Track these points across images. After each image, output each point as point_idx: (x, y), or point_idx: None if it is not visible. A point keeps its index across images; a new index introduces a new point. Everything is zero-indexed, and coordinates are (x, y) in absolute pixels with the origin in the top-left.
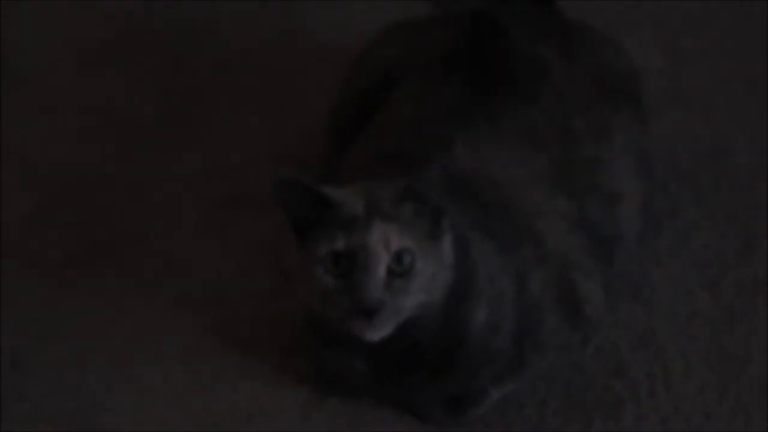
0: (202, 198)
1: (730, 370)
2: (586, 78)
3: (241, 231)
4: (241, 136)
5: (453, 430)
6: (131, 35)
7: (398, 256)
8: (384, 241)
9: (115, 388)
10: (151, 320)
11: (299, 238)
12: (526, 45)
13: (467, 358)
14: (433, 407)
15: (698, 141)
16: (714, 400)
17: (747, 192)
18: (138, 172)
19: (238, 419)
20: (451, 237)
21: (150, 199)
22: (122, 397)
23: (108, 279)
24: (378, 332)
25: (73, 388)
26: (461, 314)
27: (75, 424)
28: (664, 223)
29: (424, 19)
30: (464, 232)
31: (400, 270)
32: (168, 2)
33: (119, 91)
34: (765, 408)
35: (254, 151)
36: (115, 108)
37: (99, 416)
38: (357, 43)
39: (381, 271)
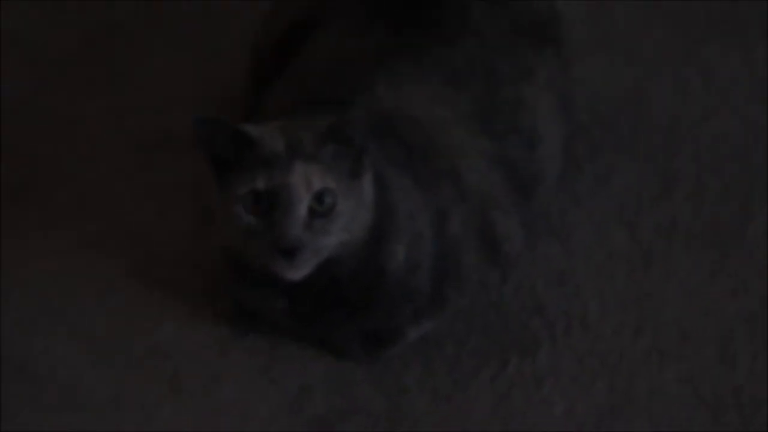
0: (125, 137)
1: (647, 311)
2: (508, 20)
3: (163, 171)
4: (165, 76)
5: (371, 367)
6: None
7: (319, 197)
8: (305, 181)
9: (33, 327)
10: (71, 259)
11: (219, 179)
12: None
13: (386, 296)
14: (352, 344)
15: (619, 85)
16: (629, 340)
17: (666, 135)
18: (59, 109)
19: (156, 357)
20: (372, 176)
21: (70, 138)
22: (39, 336)
23: (28, 217)
24: (298, 271)
25: None
26: (380, 252)
27: None
28: (585, 165)
29: None
30: (384, 171)
31: (322, 210)
32: None
33: (42, 26)
34: (679, 348)
35: (178, 92)
36: (36, 42)
37: (17, 354)
38: None
39: (302, 210)
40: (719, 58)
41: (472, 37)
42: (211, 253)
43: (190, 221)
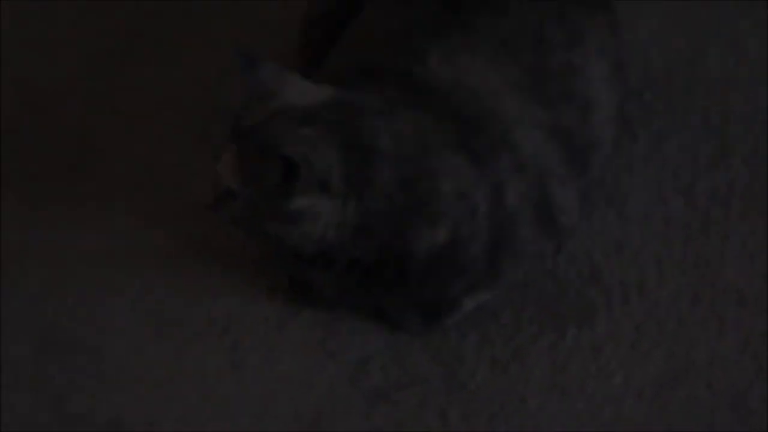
0: (180, 110)
1: (705, 276)
2: None
3: (219, 142)
4: (218, 49)
5: (428, 338)
6: None
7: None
8: (222, 167)
9: (94, 302)
10: (128, 233)
11: None
12: None
13: (422, 273)
14: (407, 316)
15: (672, 49)
16: (688, 307)
17: (721, 99)
18: (114, 87)
19: (214, 330)
20: (309, 199)
21: (127, 113)
22: (100, 310)
23: (84, 193)
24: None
25: (52, 302)
26: (403, 236)
27: (54, 337)
28: (638, 130)
29: None
30: (428, 158)
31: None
32: None
33: (96, 1)
34: (738, 314)
35: (230, 63)
36: (88, 20)
37: (78, 329)
38: None
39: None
40: None
41: (521, 5)
42: None
43: None
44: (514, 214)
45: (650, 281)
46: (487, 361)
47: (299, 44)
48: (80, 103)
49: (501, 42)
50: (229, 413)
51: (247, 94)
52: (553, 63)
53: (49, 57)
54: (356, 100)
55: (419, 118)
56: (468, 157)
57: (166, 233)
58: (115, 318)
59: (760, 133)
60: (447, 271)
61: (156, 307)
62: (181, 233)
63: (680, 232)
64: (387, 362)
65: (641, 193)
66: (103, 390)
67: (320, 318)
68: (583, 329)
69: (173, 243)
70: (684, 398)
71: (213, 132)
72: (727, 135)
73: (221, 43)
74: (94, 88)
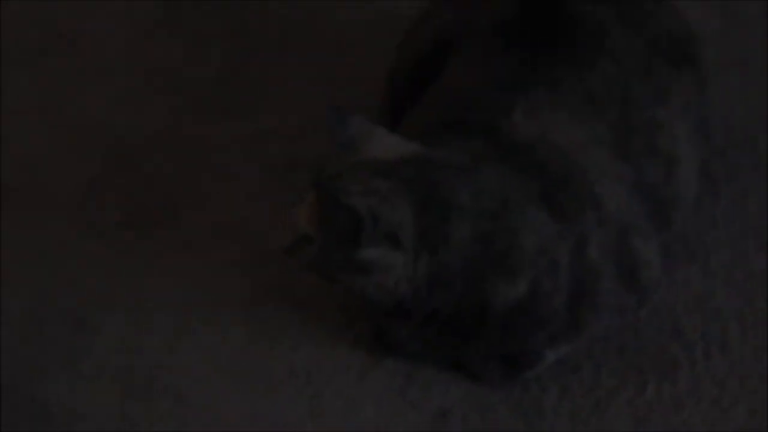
0: (260, 161)
1: None
2: (644, 41)
3: (298, 194)
4: (300, 100)
5: (508, 390)
6: None
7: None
8: (298, 214)
9: (175, 348)
10: (209, 281)
11: None
12: (583, 8)
13: (502, 326)
14: (488, 368)
15: (756, 105)
16: None
17: None
18: (196, 136)
19: (296, 379)
20: (381, 250)
21: (207, 162)
22: (182, 357)
23: (167, 241)
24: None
25: (134, 348)
26: (480, 290)
27: (136, 382)
28: (722, 188)
29: None
30: (507, 213)
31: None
32: None
33: (178, 53)
34: None
35: (312, 116)
36: (174, 71)
37: (160, 375)
38: (416, 7)
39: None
40: None
41: (608, 60)
42: None
43: None
44: (597, 268)
45: (732, 337)
46: (567, 415)
47: (383, 99)
48: (165, 155)
49: (587, 97)
50: None
51: (335, 147)
52: (638, 119)
53: (136, 109)
54: (437, 155)
55: (503, 172)
56: (551, 211)
57: (248, 282)
58: (197, 366)
59: None
60: (527, 323)
61: (237, 355)
62: (263, 282)
63: (763, 287)
64: (467, 413)
65: (724, 249)
66: None
67: (401, 368)
68: (665, 384)
69: (255, 292)
70: None
71: (294, 182)
72: None
73: (305, 96)
74: (179, 141)
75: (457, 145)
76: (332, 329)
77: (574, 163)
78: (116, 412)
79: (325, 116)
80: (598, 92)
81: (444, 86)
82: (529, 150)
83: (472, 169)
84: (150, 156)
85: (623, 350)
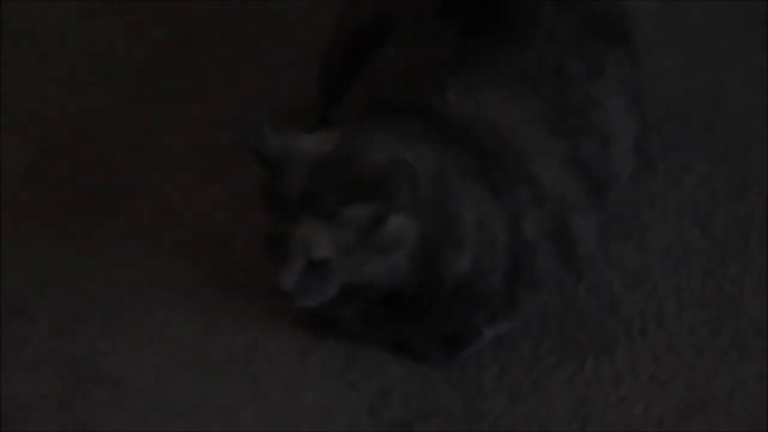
0: (201, 146)
1: (724, 308)
2: (577, 19)
3: (240, 179)
4: (239, 85)
5: (448, 369)
6: None
7: (316, 261)
8: (303, 243)
9: (116, 334)
10: (150, 267)
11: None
12: None
13: (450, 304)
14: (428, 347)
15: (692, 82)
16: (707, 338)
17: (741, 132)
18: (136, 121)
19: (236, 362)
20: (405, 215)
21: (148, 148)
22: (123, 343)
23: (107, 227)
24: (302, 304)
25: (75, 335)
26: (436, 264)
27: (77, 369)
28: (658, 164)
29: None
30: (451, 185)
31: (319, 267)
32: None
33: (119, 38)
34: (758, 345)
35: (252, 100)
36: (113, 56)
37: (101, 361)
38: None
39: (296, 265)
40: None
41: (542, 38)
42: None
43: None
44: (533, 245)
45: (670, 313)
46: (507, 392)
47: (319, 72)
48: (105, 140)
49: (521, 75)
50: None
51: (263, 163)
52: (572, 96)
53: (74, 93)
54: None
55: (437, 148)
56: (487, 188)
57: (187, 266)
58: (137, 350)
59: None
60: (469, 301)
61: (178, 339)
62: (202, 266)
63: (699, 263)
64: (408, 393)
65: (661, 226)
66: (127, 421)
67: (341, 349)
68: (603, 360)
69: (194, 276)
70: (704, 429)
71: (237, 166)
72: (746, 168)
73: (245, 80)
74: (118, 124)
75: (392, 123)
76: (272, 312)
77: (508, 141)
78: (57, 398)
79: (240, 137)
80: (532, 70)
81: (380, 65)
82: (463, 128)
83: (407, 147)
84: (89, 140)
85: (561, 327)
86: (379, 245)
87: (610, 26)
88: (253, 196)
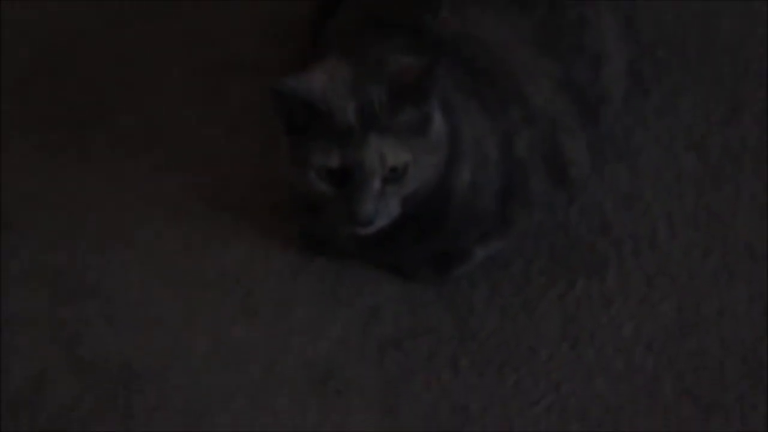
0: (191, 63)
1: (716, 231)
2: None
3: (230, 95)
4: (229, 2)
5: (439, 287)
6: None
7: (393, 168)
8: (380, 157)
9: (105, 248)
10: (140, 182)
11: (291, 136)
12: None
13: (453, 217)
14: (419, 266)
15: (686, 5)
16: (698, 260)
17: (734, 56)
18: (125, 38)
19: (227, 279)
20: (440, 111)
21: (138, 65)
22: (112, 257)
23: (97, 142)
24: (370, 231)
25: (63, 248)
26: (447, 176)
27: (65, 282)
28: (651, 87)
29: None
30: (450, 96)
31: (395, 177)
32: None
33: None
34: (749, 268)
35: (242, 17)
36: None
37: (89, 275)
38: None
39: (376, 184)
40: None
41: None
42: (280, 176)
43: (259, 143)
44: (525, 165)
45: (661, 235)
46: (497, 311)
47: None
48: (92, 56)
49: None
50: (241, 361)
51: (322, 106)
52: (564, 16)
53: (62, 11)
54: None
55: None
56: (480, 105)
57: (177, 184)
58: (126, 266)
59: None
60: (463, 218)
61: (167, 254)
62: (192, 184)
63: (692, 186)
64: (398, 311)
65: (653, 148)
66: (115, 336)
67: (332, 267)
68: (594, 281)
69: (184, 194)
70: (694, 350)
71: (223, 85)
72: (739, 92)
73: None
74: (106, 42)
75: (383, 41)
76: (262, 231)
77: (500, 61)
78: (45, 312)
79: (273, 103)
80: None
81: None
82: (455, 46)
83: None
84: (77, 56)
85: (553, 248)
86: (433, 143)
87: None
88: (242, 114)
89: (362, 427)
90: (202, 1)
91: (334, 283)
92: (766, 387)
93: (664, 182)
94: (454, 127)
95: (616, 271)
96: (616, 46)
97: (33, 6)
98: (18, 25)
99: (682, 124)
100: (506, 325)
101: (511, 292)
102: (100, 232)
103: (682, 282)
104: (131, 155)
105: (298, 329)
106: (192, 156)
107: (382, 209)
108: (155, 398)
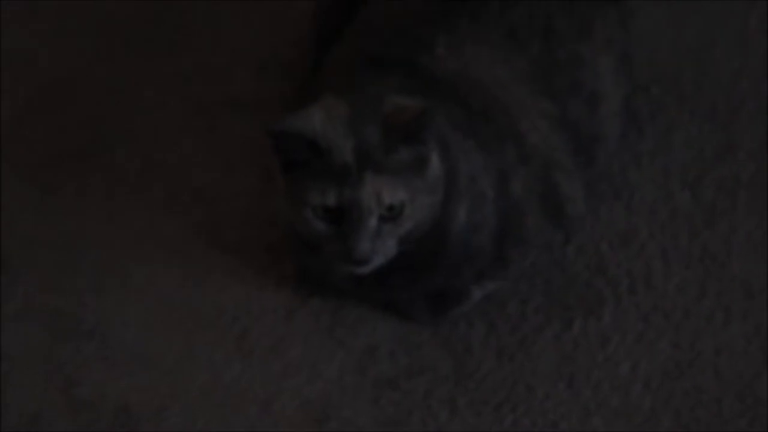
0: (188, 100)
1: (711, 269)
2: None
3: (227, 132)
4: (227, 38)
5: (436, 327)
6: None
7: (390, 207)
8: (376, 196)
9: (102, 288)
10: (137, 221)
11: (287, 174)
12: None
13: (449, 257)
14: (417, 305)
15: (680, 41)
16: (694, 298)
17: (728, 92)
18: (123, 75)
19: (223, 319)
20: (437, 152)
21: (135, 102)
22: (109, 297)
23: (94, 181)
24: (367, 270)
25: (60, 289)
26: (443, 215)
27: (62, 322)
28: (646, 124)
29: None
30: (446, 134)
31: (392, 216)
32: None
33: None
34: (744, 306)
35: (240, 54)
36: (100, 9)
37: (86, 315)
38: None
39: (372, 223)
40: None
41: None
42: (276, 215)
43: (255, 181)
44: (521, 203)
45: (657, 273)
46: (494, 351)
47: (312, 25)
48: (90, 93)
49: (509, 32)
50: (238, 401)
51: (320, 144)
52: (560, 54)
53: (61, 46)
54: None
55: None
56: (475, 143)
57: (174, 222)
58: (123, 306)
59: (766, 127)
60: (460, 257)
61: (163, 294)
62: (190, 223)
63: (686, 224)
64: (395, 350)
65: (648, 186)
66: (112, 376)
67: (328, 306)
68: (590, 320)
69: (181, 232)
70: (690, 387)
71: (221, 122)
72: (733, 128)
73: (231, 33)
74: (104, 78)
75: (380, 78)
76: (259, 269)
77: (495, 99)
78: (43, 353)
79: (271, 141)
80: (520, 27)
81: (367, 19)
82: (451, 84)
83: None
84: (75, 94)
85: (549, 287)
86: (430, 183)
87: None
88: (239, 152)
89: None
90: (201, 38)
91: (330, 323)
92: (765, 424)
93: (660, 220)
94: (451, 167)
95: (613, 309)
96: (612, 84)
97: (29, 43)
98: (14, 62)
99: (676, 162)
100: (503, 365)
101: (508, 331)
102: (97, 271)
103: (678, 320)
104: (129, 193)
105: (294, 369)
106: (190, 193)
107: (378, 248)
108: None
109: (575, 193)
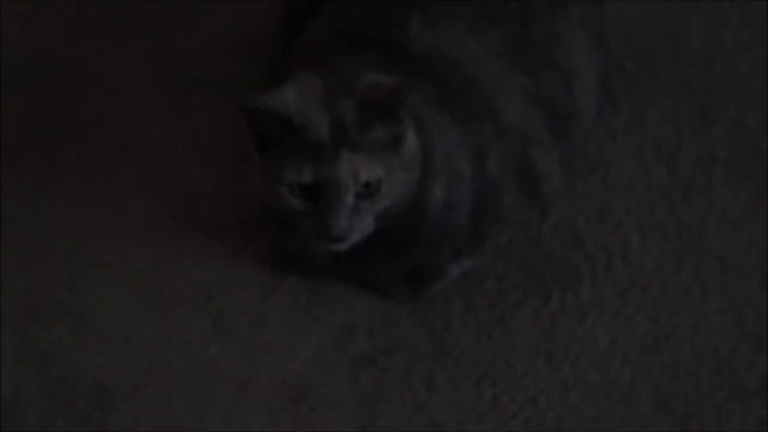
0: (161, 81)
1: (687, 243)
2: None
3: (200, 113)
4: (200, 19)
5: (413, 304)
6: None
7: (366, 184)
8: (352, 173)
9: (77, 268)
10: (112, 202)
11: (263, 152)
12: None
13: (426, 235)
14: (394, 283)
15: (655, 19)
16: (671, 273)
17: (703, 69)
18: (95, 56)
19: (198, 298)
20: (413, 129)
21: (107, 83)
22: (83, 277)
23: (68, 162)
24: (344, 247)
25: (34, 268)
26: (420, 192)
27: (36, 302)
28: (621, 101)
29: None
30: (421, 112)
31: (368, 193)
32: None
33: None
34: (721, 280)
35: (212, 34)
36: None
37: (59, 294)
38: None
39: (349, 200)
40: None
41: None
42: (251, 194)
43: (230, 161)
44: (497, 181)
45: (634, 248)
46: (472, 328)
47: (280, 10)
48: (62, 74)
49: (483, 10)
50: (214, 380)
51: (295, 122)
52: (535, 32)
53: (31, 27)
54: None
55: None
56: (451, 120)
57: (148, 202)
58: (98, 285)
59: (741, 103)
60: (437, 234)
61: (139, 273)
62: (164, 203)
63: (663, 199)
64: (373, 328)
65: (624, 162)
66: (87, 355)
67: (305, 285)
68: (568, 295)
69: (156, 212)
70: (668, 361)
71: (194, 103)
72: (708, 105)
73: (203, 14)
74: (76, 59)
75: (353, 57)
76: (234, 248)
77: (470, 76)
78: (16, 332)
79: (246, 120)
80: (495, 4)
81: None
82: (425, 62)
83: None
84: (48, 76)
85: (526, 264)
86: (406, 159)
87: None
88: (213, 131)
89: None
90: (173, 19)
91: (307, 301)
92: (741, 397)
93: (636, 195)
94: (427, 144)
95: (590, 284)
96: (587, 60)
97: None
98: None
99: (652, 137)
100: (482, 341)
101: (486, 308)
102: (70, 250)
103: (655, 294)
104: (102, 173)
105: (272, 347)
106: (163, 173)
107: (355, 225)
108: (128, 417)
109: (552, 171)
